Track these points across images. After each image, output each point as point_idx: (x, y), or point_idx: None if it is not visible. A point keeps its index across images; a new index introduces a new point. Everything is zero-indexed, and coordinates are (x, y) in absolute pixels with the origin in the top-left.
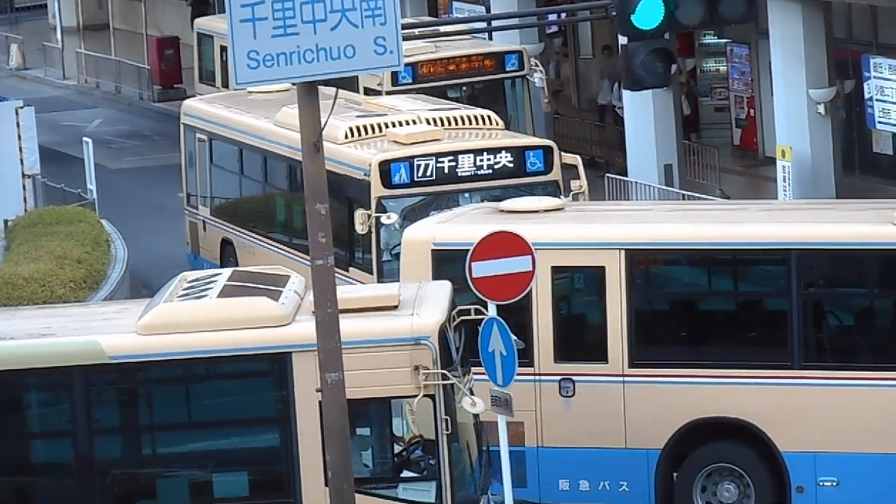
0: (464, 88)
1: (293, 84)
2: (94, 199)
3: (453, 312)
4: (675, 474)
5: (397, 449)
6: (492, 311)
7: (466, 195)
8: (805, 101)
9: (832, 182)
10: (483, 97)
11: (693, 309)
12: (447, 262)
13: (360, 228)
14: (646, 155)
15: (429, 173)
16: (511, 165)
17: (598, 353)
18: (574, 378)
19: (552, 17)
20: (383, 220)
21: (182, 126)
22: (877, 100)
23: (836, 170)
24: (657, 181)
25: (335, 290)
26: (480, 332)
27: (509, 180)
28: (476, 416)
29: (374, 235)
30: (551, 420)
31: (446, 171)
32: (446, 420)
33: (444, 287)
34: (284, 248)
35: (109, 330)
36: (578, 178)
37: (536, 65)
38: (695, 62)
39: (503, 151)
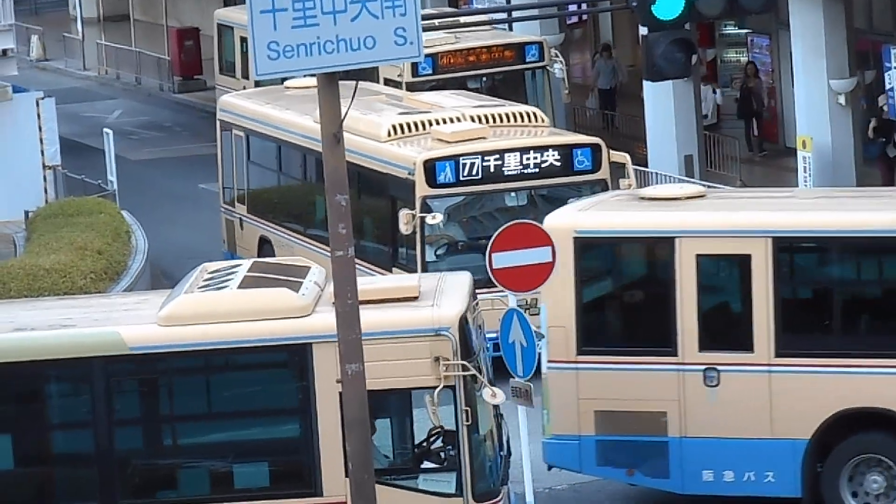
0: (484, 79)
1: (313, 75)
2: (114, 190)
3: (473, 303)
4: (820, 465)
5: (417, 440)
6: (511, 302)
7: (512, 194)
8: (826, 92)
9: (853, 173)
10: (503, 88)
11: (841, 297)
12: (590, 251)
13: (404, 229)
14: (666, 146)
15: (474, 172)
16: (558, 164)
17: (743, 341)
18: (719, 367)
19: (573, 7)
20: (428, 220)
21: (218, 122)
22: None
23: (856, 160)
24: (677, 172)
25: (356, 281)
26: (501, 323)
27: (556, 179)
28: (496, 406)
29: (418, 236)
30: (695, 409)
31: (492, 169)
32: (466, 411)
33: (465, 278)
34: (324, 246)
35: (130, 321)
36: (627, 176)
37: (556, 55)
38: (715, 52)
39: (550, 149)
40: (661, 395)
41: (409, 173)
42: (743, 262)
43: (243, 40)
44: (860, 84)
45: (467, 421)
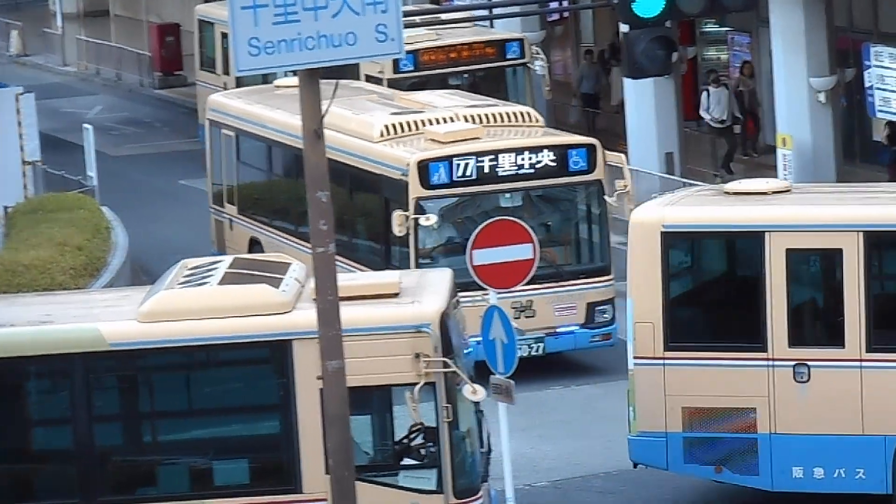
0: (465, 76)
1: (294, 72)
2: (94, 186)
3: (454, 300)
4: None
5: (398, 437)
6: (492, 298)
7: (507, 195)
8: (806, 90)
9: (833, 170)
10: (484, 85)
11: None
12: (678, 246)
13: (397, 230)
14: (647, 143)
15: (469, 173)
16: (553, 164)
17: (834, 337)
18: (809, 363)
19: (554, 4)
20: (422, 221)
21: (207, 122)
22: (877, 88)
23: (836, 158)
24: (658, 169)
25: (336, 277)
26: (482, 319)
27: (551, 179)
28: (477, 403)
29: (412, 237)
30: (785, 406)
31: (486, 170)
32: (447, 408)
33: (445, 274)
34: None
35: (110, 317)
36: (622, 177)
37: (538, 53)
38: (696, 50)
39: (545, 150)
40: (750, 391)
41: (403, 174)
42: (834, 256)
43: (224, 36)
44: (840, 82)
45: (448, 418)
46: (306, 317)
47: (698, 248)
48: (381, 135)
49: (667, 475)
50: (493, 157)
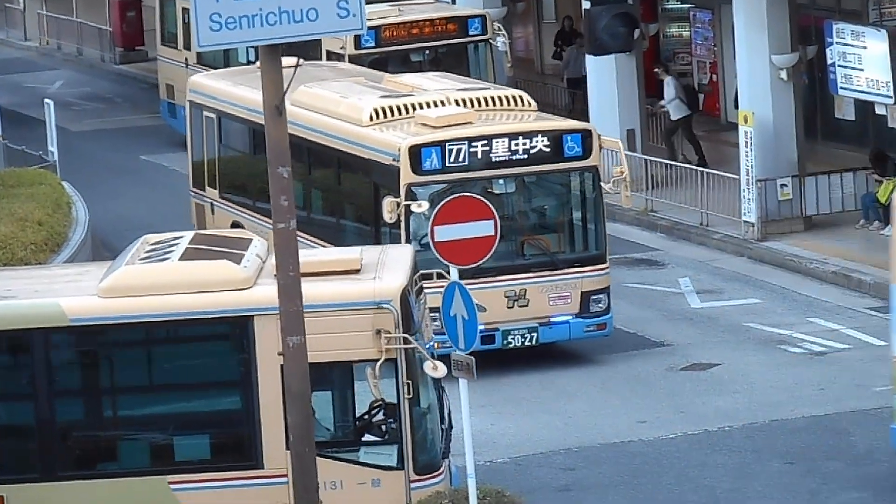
0: (427, 52)
1: (255, 47)
2: (55, 161)
3: (415, 277)
4: None
5: (359, 413)
6: (454, 275)
7: (500, 181)
8: (767, 67)
9: (794, 148)
10: (446, 61)
11: None
12: None
13: (388, 217)
14: (608, 120)
15: (461, 158)
16: (548, 150)
17: None
18: None
19: None
20: (413, 208)
21: (188, 103)
22: (839, 66)
23: (798, 135)
24: (619, 146)
25: (297, 253)
26: (443, 296)
27: (546, 165)
28: (438, 380)
29: (403, 224)
30: None
31: (479, 155)
32: (408, 384)
33: (407, 251)
34: (299, 232)
35: (71, 292)
36: (618, 163)
37: (499, 29)
38: (658, 27)
39: (539, 135)
40: None
41: (394, 159)
42: None
43: (185, 11)
44: (802, 59)
45: (409, 394)
46: (267, 292)
47: None
48: (371, 119)
49: (627, 454)
50: (486, 142)
